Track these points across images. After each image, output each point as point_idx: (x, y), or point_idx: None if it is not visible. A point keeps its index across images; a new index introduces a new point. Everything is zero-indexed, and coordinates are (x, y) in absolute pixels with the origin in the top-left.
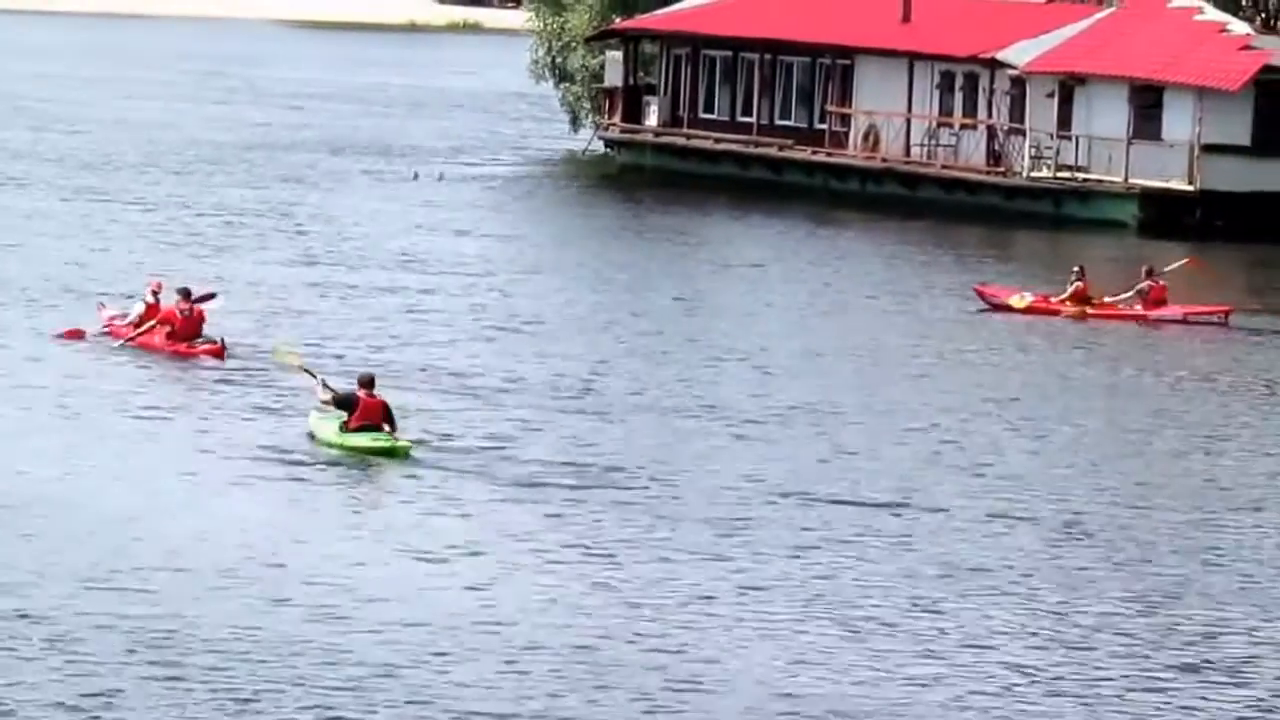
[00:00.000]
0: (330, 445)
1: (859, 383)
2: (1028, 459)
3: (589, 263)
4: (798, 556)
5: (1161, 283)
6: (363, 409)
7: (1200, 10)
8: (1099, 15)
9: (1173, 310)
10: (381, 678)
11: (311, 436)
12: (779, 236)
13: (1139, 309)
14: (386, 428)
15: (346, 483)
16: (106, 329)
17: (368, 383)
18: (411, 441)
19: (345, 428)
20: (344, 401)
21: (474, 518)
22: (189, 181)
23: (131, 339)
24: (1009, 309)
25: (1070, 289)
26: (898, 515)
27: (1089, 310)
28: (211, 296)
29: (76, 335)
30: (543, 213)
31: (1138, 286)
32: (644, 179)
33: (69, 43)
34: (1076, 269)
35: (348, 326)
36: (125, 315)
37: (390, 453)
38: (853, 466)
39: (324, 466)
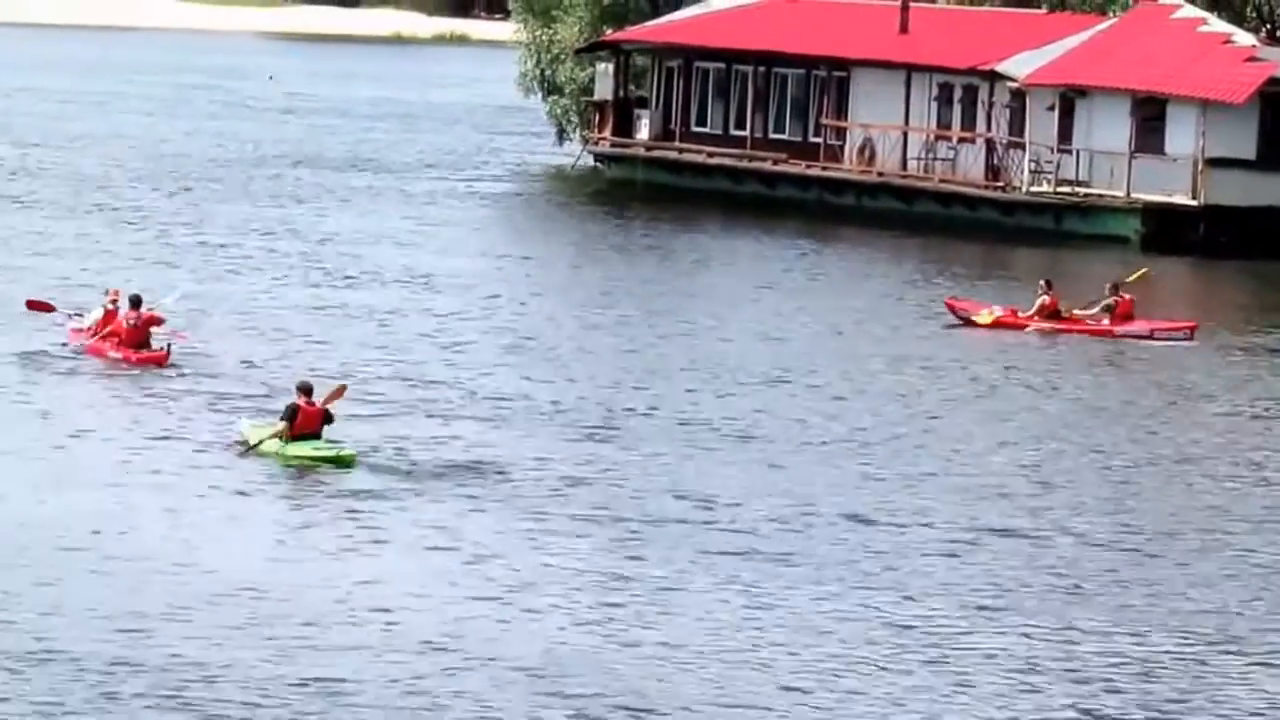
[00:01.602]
0: (272, 455)
1: (840, 404)
2: (1015, 477)
3: (579, 280)
4: (794, 577)
5: (1128, 297)
6: (302, 418)
7: (1205, 21)
8: (1101, 26)
9: (1139, 326)
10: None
11: (246, 444)
12: (772, 253)
13: (1106, 324)
14: (325, 431)
15: (346, 503)
16: (66, 342)
17: (307, 390)
18: (356, 451)
19: (285, 436)
20: (285, 412)
21: (464, 538)
22: (181, 199)
23: (86, 346)
24: (976, 326)
25: (1037, 303)
26: (896, 534)
27: (1057, 325)
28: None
29: (45, 308)
30: (532, 229)
31: (1104, 302)
32: (635, 194)
33: (52, 56)
34: (1042, 283)
35: (338, 346)
36: (83, 315)
37: (335, 462)
38: (842, 486)
39: (310, 483)
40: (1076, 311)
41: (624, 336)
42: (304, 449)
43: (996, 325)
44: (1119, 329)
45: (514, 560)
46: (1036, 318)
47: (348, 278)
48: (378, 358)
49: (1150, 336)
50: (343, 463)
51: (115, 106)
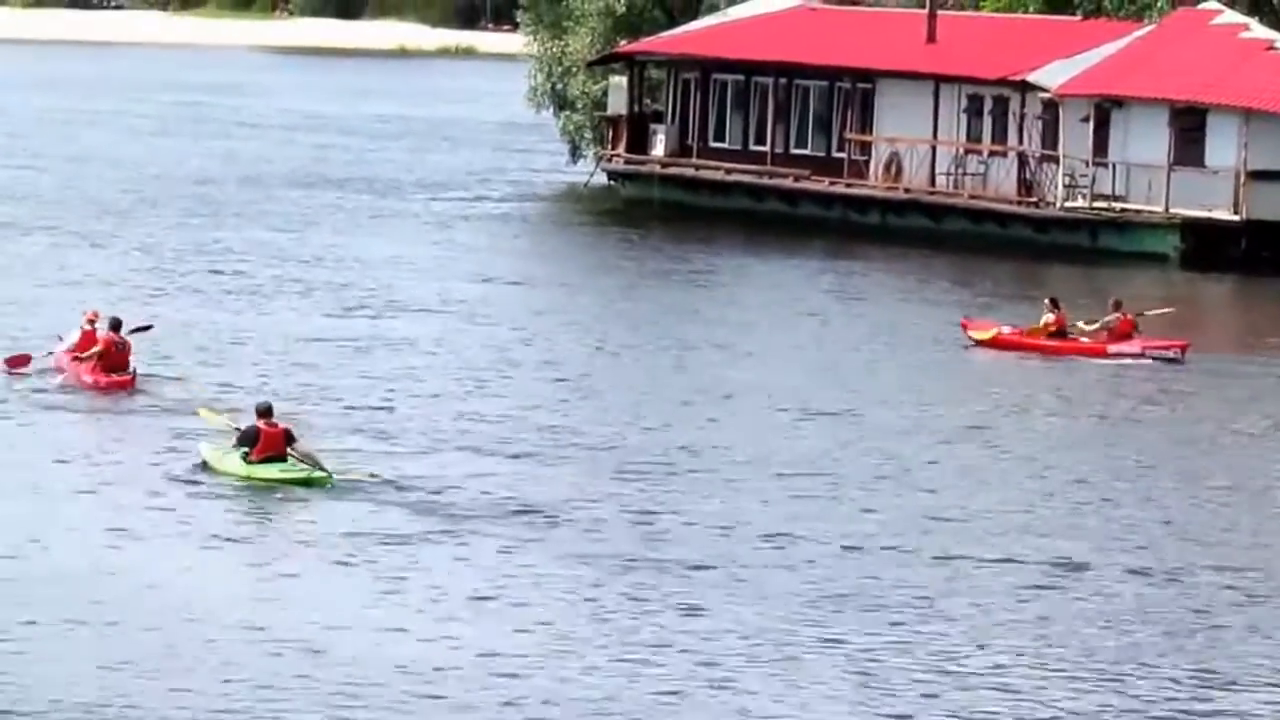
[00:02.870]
0: (239, 478)
1: (858, 430)
2: (1014, 499)
3: (598, 307)
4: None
5: (1129, 316)
6: (265, 440)
7: (1246, 27)
8: (1137, 33)
9: (1131, 345)
10: None
11: (205, 467)
12: (796, 275)
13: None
14: (292, 454)
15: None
16: (54, 366)
17: (265, 411)
18: (330, 472)
19: (249, 460)
20: (245, 437)
21: (497, 578)
22: (183, 222)
23: (67, 372)
24: (975, 341)
25: (1042, 321)
26: (902, 560)
27: (1058, 345)
28: (147, 328)
29: (22, 361)
30: (547, 253)
31: (1105, 320)
32: (651, 213)
33: (46, 73)
34: (1048, 301)
35: (346, 376)
36: (61, 340)
37: (308, 483)
38: (843, 514)
39: (330, 520)
40: (1082, 324)
41: (647, 365)
42: (271, 471)
43: (996, 342)
44: (1112, 347)
45: (549, 600)
46: (1041, 336)
47: (360, 304)
48: (396, 388)
49: (1141, 355)
50: (315, 483)
51: (115, 125)
